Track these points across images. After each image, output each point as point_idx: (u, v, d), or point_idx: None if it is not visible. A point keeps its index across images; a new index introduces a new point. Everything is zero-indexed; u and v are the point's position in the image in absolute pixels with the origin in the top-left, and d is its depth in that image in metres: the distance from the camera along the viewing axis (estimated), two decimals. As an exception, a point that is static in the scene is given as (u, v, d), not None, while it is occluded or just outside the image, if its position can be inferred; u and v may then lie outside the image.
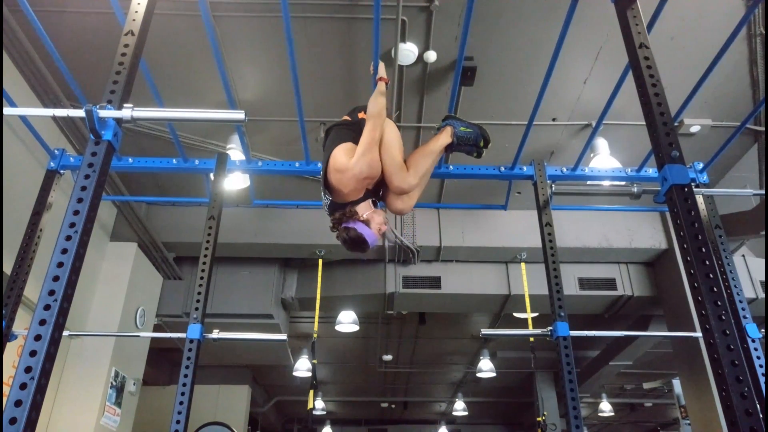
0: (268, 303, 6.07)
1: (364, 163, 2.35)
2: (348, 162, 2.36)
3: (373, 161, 2.38)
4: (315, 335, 4.86)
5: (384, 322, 8.03)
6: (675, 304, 5.58)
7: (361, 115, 2.62)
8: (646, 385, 9.59)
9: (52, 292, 1.30)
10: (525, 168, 3.42)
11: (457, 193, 5.58)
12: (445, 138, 2.66)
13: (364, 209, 2.44)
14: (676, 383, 6.82)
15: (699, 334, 1.89)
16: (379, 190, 2.60)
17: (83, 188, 1.44)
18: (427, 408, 13.72)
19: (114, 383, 4.96)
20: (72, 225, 1.39)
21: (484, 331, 3.29)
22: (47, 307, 1.29)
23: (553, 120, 4.61)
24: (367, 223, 2.43)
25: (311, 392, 4.56)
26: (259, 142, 4.82)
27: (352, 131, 2.54)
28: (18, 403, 1.18)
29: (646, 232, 5.81)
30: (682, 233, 1.50)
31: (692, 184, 1.88)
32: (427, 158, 2.59)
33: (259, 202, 4.30)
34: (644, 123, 1.69)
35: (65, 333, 2.27)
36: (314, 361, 4.70)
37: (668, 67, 3.91)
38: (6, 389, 3.73)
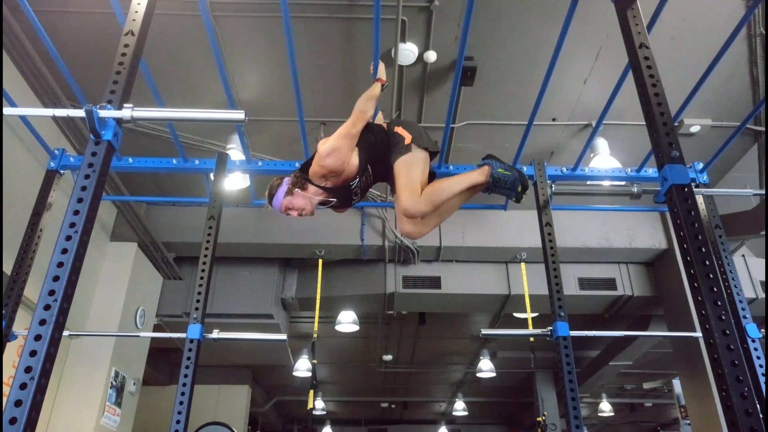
0: (268, 303, 6.07)
1: (329, 148, 2.38)
2: (323, 144, 2.43)
3: (338, 152, 2.39)
4: (315, 335, 4.86)
5: (384, 322, 8.03)
6: (675, 304, 5.58)
7: (398, 129, 2.60)
8: (646, 385, 9.59)
9: (52, 292, 1.30)
10: (525, 168, 3.42)
11: (457, 193, 5.57)
12: (478, 176, 2.58)
13: (309, 191, 2.49)
14: (676, 383, 6.82)
15: (699, 334, 1.89)
16: (347, 200, 2.61)
17: (83, 188, 1.44)
18: (427, 408, 13.71)
19: (114, 383, 4.96)
20: (72, 225, 1.39)
21: (484, 331, 3.29)
22: (47, 307, 1.28)
23: (553, 120, 4.61)
24: (290, 193, 2.48)
25: (311, 392, 4.56)
26: (259, 142, 4.82)
27: (376, 133, 2.60)
28: (18, 403, 1.17)
29: (646, 232, 5.81)
30: (682, 233, 1.50)
31: (692, 184, 1.87)
32: (447, 190, 2.51)
33: (259, 202, 4.28)
34: (644, 123, 1.69)
35: (65, 333, 2.27)
36: (314, 361, 4.70)
37: (668, 67, 3.91)
38: (6, 389, 3.74)
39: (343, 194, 2.60)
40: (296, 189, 2.49)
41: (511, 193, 2.59)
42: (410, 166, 2.48)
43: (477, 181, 2.57)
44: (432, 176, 2.72)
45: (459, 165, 3.48)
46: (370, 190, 2.87)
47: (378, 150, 2.57)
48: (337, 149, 2.39)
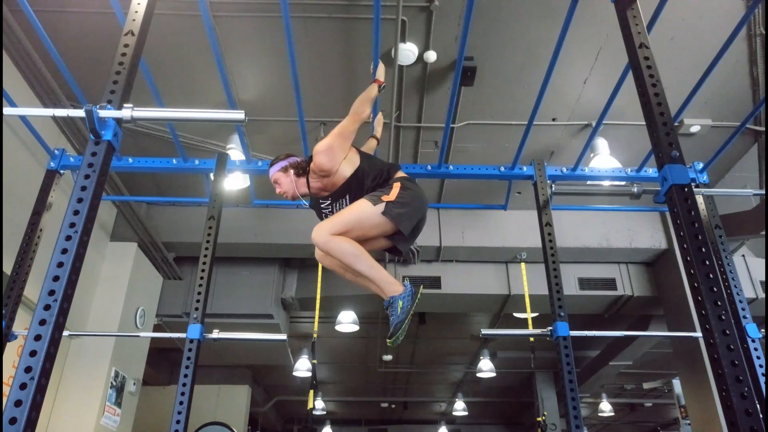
0: (268, 303, 6.07)
1: (324, 146, 2.40)
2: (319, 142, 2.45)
3: (331, 151, 2.39)
4: (315, 335, 4.85)
5: (384, 322, 8.02)
6: (675, 304, 5.58)
7: (396, 184, 2.46)
8: (646, 385, 9.59)
9: (52, 292, 1.30)
10: (525, 168, 3.42)
11: (457, 193, 5.58)
12: (387, 285, 2.33)
13: (300, 180, 2.51)
14: (676, 383, 6.82)
15: (699, 334, 1.89)
16: (318, 213, 2.62)
17: (83, 188, 1.44)
18: (427, 408, 13.71)
19: (114, 383, 4.96)
20: (72, 225, 1.39)
21: (484, 331, 3.29)
22: (47, 307, 1.28)
23: (553, 120, 4.61)
24: (284, 171, 2.52)
25: (311, 392, 4.55)
26: (259, 142, 4.82)
27: (374, 165, 2.56)
28: (18, 403, 1.17)
29: (646, 232, 5.81)
30: (682, 233, 1.50)
31: (692, 184, 1.87)
32: (352, 259, 2.29)
33: (259, 202, 4.29)
34: (644, 123, 1.69)
35: (65, 333, 2.27)
36: (314, 361, 4.70)
37: (668, 67, 3.91)
38: (6, 389, 3.74)
39: (316, 207, 2.61)
40: (292, 171, 2.52)
41: (391, 323, 2.36)
42: (360, 213, 2.34)
43: (383, 286, 2.35)
44: (394, 251, 2.56)
45: (458, 165, 3.48)
46: None
47: (362, 188, 2.46)
48: (331, 147, 2.40)
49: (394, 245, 2.51)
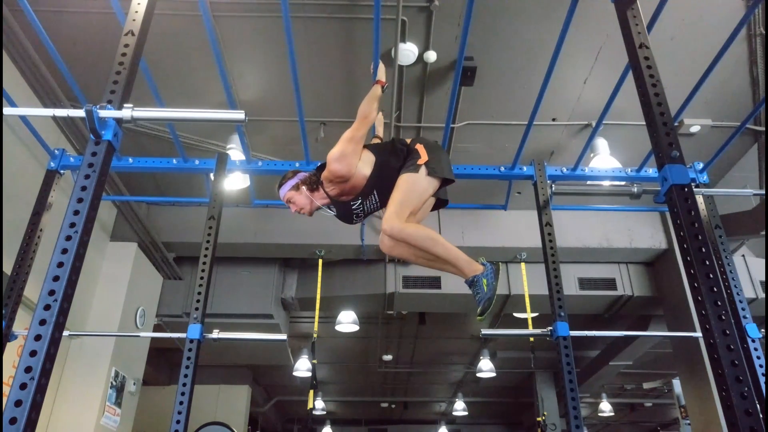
0: (268, 303, 6.07)
1: (337, 153, 2.42)
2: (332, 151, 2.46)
3: (345, 157, 2.41)
4: (315, 335, 4.86)
5: (384, 322, 8.03)
6: (675, 304, 5.58)
7: (418, 146, 2.54)
8: (646, 385, 9.59)
9: (52, 292, 1.30)
10: (525, 168, 3.43)
11: (457, 193, 5.56)
12: (467, 264, 2.47)
13: (316, 194, 2.53)
14: (676, 383, 6.81)
15: (699, 334, 1.89)
16: (347, 216, 2.62)
17: (83, 188, 1.44)
18: (427, 408, 13.71)
19: (114, 383, 4.96)
20: (72, 225, 1.39)
21: (484, 331, 3.29)
22: (47, 307, 1.28)
23: (553, 120, 4.61)
24: (296, 189, 2.54)
25: (311, 392, 4.56)
26: (259, 142, 4.82)
27: (389, 150, 2.59)
28: (18, 403, 1.17)
29: (646, 232, 5.81)
30: (682, 233, 1.50)
31: (692, 184, 1.88)
32: (428, 243, 2.42)
33: (259, 202, 4.30)
34: (644, 123, 1.69)
35: (65, 333, 2.27)
36: (314, 361, 4.70)
37: (668, 67, 3.91)
38: (6, 389, 3.73)
39: (344, 210, 2.61)
40: (304, 187, 2.53)
41: (477, 301, 2.47)
42: (411, 186, 2.43)
43: (462, 266, 2.48)
44: (443, 203, 2.68)
45: (458, 165, 3.48)
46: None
47: (392, 174, 2.51)
48: (344, 154, 2.41)
49: (438, 198, 2.63)
